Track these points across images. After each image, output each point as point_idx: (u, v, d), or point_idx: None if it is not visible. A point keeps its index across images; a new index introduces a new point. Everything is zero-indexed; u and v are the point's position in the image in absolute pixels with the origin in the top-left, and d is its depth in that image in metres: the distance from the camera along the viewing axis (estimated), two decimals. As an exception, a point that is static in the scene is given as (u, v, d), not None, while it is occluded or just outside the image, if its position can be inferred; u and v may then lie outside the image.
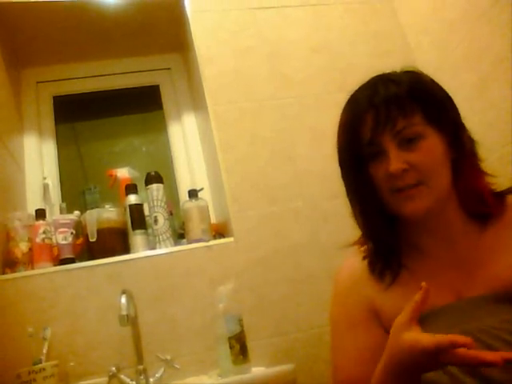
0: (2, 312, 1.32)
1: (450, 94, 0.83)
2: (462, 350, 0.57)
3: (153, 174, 1.59)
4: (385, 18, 1.90)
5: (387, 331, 0.68)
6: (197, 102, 1.90)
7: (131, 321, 1.26)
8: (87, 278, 1.40)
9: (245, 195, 1.57)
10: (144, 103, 2.07)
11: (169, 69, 2.06)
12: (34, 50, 1.87)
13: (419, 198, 0.76)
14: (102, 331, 1.35)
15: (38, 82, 1.93)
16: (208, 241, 1.52)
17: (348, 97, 0.84)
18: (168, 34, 1.93)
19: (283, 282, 1.50)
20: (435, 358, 0.58)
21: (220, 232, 1.63)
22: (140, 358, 1.29)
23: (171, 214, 1.63)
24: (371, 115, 0.77)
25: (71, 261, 1.47)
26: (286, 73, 1.74)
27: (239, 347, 1.20)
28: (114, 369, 1.29)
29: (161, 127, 2.01)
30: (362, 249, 0.88)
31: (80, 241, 1.55)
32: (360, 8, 1.89)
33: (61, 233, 1.50)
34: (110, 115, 2.07)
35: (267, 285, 1.48)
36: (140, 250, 1.50)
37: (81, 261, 1.48)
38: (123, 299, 1.23)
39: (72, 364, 1.31)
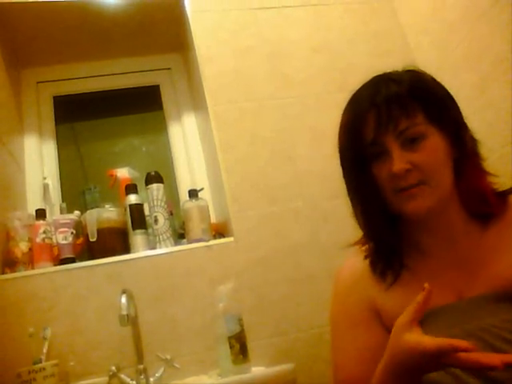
0: (2, 312, 1.32)
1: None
2: (463, 354, 0.57)
3: (153, 173, 1.59)
4: (385, 18, 1.90)
5: (388, 331, 0.68)
6: (197, 101, 1.90)
7: (131, 320, 1.26)
8: (87, 277, 1.40)
9: (245, 195, 1.57)
10: (144, 103, 2.07)
11: (169, 69, 2.06)
12: (34, 49, 1.87)
13: (422, 197, 0.76)
14: (102, 331, 1.35)
15: (38, 82, 1.93)
16: (208, 241, 1.52)
17: (349, 96, 0.84)
18: (168, 34, 1.93)
19: (283, 282, 1.50)
20: (436, 360, 0.59)
21: (220, 232, 1.63)
22: (140, 357, 1.29)
23: (171, 213, 1.63)
24: (373, 115, 0.77)
25: (71, 261, 1.47)
26: (286, 73, 1.74)
27: (239, 347, 1.20)
28: (114, 368, 1.30)
29: (161, 127, 2.02)
30: (363, 248, 0.87)
31: (80, 241, 1.55)
32: (360, 8, 1.89)
33: (61, 233, 1.50)
34: (110, 115, 2.07)
35: (267, 285, 1.48)
36: (140, 249, 1.50)
37: (81, 261, 1.48)
38: (123, 299, 1.23)
39: (72, 363, 1.31)
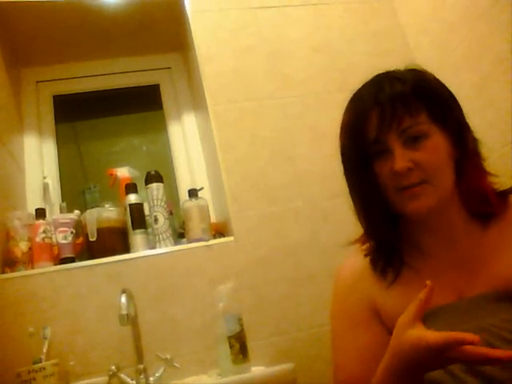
0: (2, 312, 1.32)
1: (451, 94, 0.83)
2: (469, 347, 0.56)
3: (153, 173, 1.59)
4: (385, 18, 1.90)
5: (389, 330, 0.68)
6: (197, 101, 1.89)
7: (131, 320, 1.26)
8: (87, 277, 1.40)
9: (245, 195, 1.57)
10: (144, 102, 2.07)
11: (169, 68, 2.06)
12: (34, 49, 1.87)
13: (424, 196, 0.76)
14: (102, 330, 1.35)
15: (38, 82, 1.93)
16: (208, 240, 1.52)
17: (351, 95, 0.84)
18: (168, 34, 1.93)
19: (283, 282, 1.50)
20: (440, 354, 0.58)
21: (220, 231, 1.63)
22: (140, 357, 1.29)
23: (171, 213, 1.63)
24: (376, 113, 0.77)
25: (71, 260, 1.47)
26: (286, 72, 1.74)
27: (239, 346, 1.20)
28: (113, 368, 1.29)
29: (161, 127, 2.01)
30: (364, 247, 0.87)
31: (80, 240, 1.55)
32: (360, 8, 1.89)
33: (61, 232, 1.50)
34: (110, 114, 2.07)
35: (267, 284, 1.48)
36: (140, 249, 1.50)
37: (81, 260, 1.48)
38: (123, 298, 1.23)
39: (72, 363, 1.31)
